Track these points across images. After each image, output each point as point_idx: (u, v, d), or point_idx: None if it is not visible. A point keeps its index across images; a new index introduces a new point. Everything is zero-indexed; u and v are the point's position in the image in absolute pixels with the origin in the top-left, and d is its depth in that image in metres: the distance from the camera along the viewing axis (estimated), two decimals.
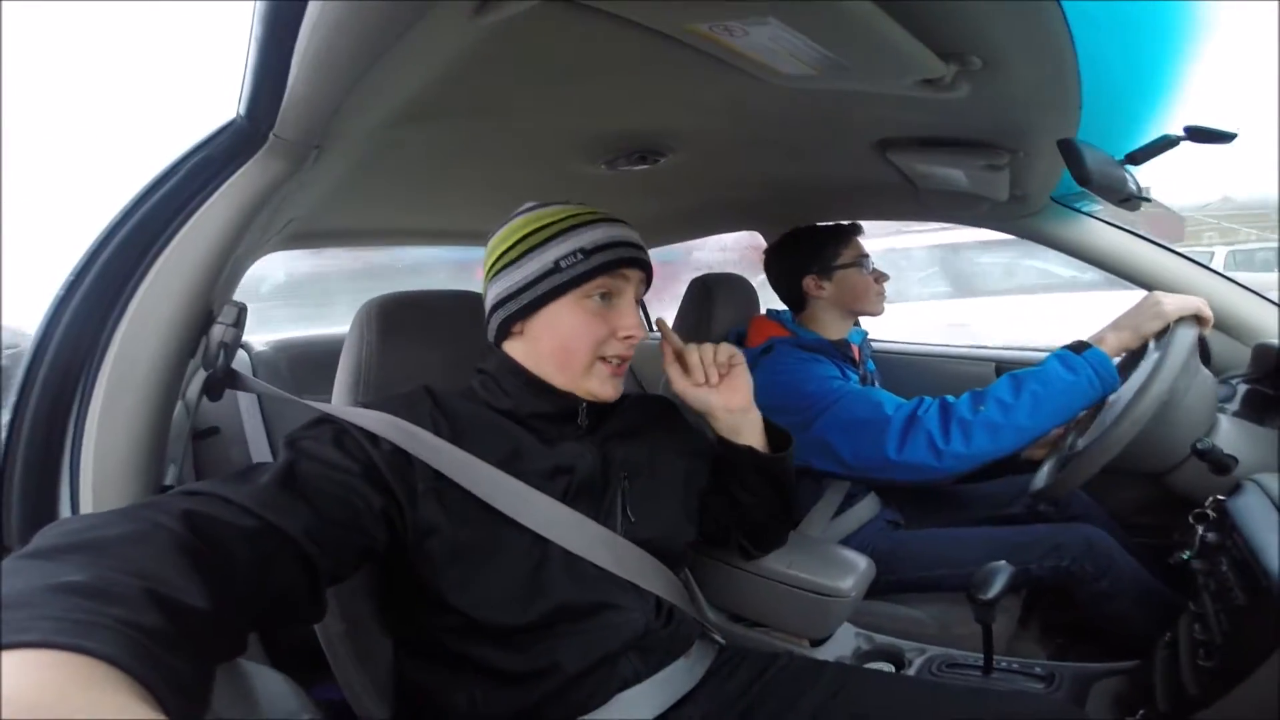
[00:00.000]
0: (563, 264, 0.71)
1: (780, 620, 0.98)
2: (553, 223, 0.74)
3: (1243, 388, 1.18)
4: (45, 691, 0.27)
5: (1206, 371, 1.01)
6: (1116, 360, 1.01)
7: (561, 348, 0.73)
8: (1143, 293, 1.04)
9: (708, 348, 0.82)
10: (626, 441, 0.79)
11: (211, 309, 0.62)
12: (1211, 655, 0.74)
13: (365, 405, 0.67)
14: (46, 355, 0.52)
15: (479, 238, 0.82)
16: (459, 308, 0.86)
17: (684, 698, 0.72)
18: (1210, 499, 0.87)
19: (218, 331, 0.60)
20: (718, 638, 0.83)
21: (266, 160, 0.59)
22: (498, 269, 0.75)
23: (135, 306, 0.54)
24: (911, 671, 1.04)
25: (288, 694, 0.59)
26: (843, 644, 1.09)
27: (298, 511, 0.53)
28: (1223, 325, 1.25)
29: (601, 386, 0.75)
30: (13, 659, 0.28)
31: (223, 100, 0.60)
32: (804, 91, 0.77)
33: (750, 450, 0.82)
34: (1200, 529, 0.85)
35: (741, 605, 1.00)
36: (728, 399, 0.81)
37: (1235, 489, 0.85)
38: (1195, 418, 0.94)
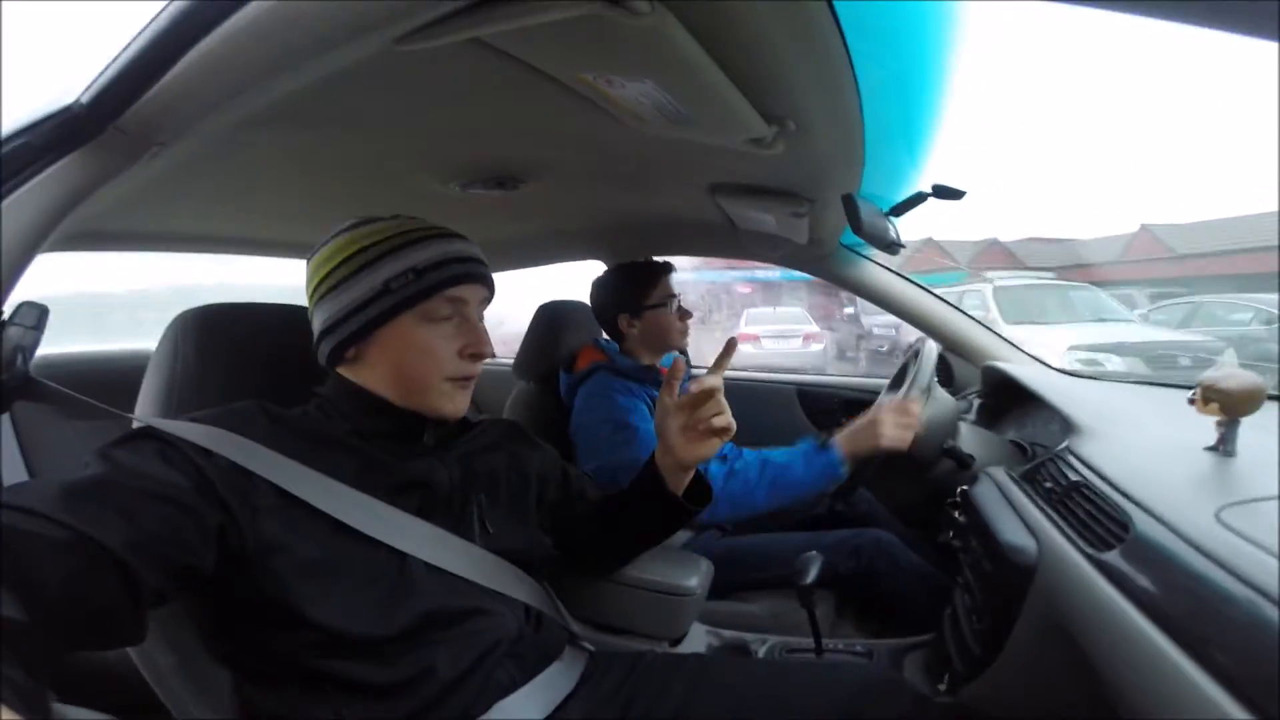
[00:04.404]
0: (393, 285, 0.68)
1: (640, 624, 1.02)
2: (381, 240, 0.70)
3: (977, 401, 1.51)
4: None
5: (946, 393, 1.29)
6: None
7: (401, 372, 0.71)
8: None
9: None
10: (481, 458, 0.80)
11: (2, 309, 0.51)
12: (982, 618, 0.88)
13: (189, 420, 0.61)
14: None
15: (309, 251, 0.76)
16: (286, 322, 0.80)
17: (564, 701, 0.73)
18: (959, 489, 1.08)
19: (14, 334, 0.51)
20: (586, 645, 0.85)
21: (97, 153, 0.52)
22: (324, 291, 0.71)
23: None
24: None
25: None
26: (696, 642, 1.17)
27: (113, 524, 0.49)
28: (959, 350, 1.61)
29: (450, 404, 0.73)
30: None
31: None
32: (655, 137, 0.86)
33: (674, 498, 0.84)
34: (956, 514, 1.05)
35: (602, 613, 1.03)
36: (702, 451, 0.82)
37: (974, 480, 1.07)
38: (944, 425, 1.20)
